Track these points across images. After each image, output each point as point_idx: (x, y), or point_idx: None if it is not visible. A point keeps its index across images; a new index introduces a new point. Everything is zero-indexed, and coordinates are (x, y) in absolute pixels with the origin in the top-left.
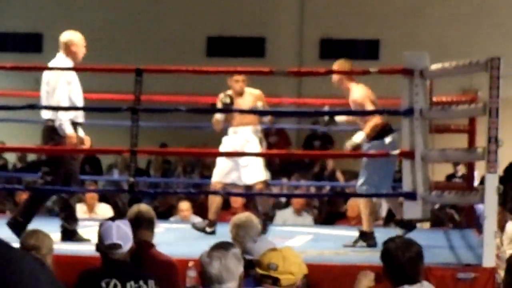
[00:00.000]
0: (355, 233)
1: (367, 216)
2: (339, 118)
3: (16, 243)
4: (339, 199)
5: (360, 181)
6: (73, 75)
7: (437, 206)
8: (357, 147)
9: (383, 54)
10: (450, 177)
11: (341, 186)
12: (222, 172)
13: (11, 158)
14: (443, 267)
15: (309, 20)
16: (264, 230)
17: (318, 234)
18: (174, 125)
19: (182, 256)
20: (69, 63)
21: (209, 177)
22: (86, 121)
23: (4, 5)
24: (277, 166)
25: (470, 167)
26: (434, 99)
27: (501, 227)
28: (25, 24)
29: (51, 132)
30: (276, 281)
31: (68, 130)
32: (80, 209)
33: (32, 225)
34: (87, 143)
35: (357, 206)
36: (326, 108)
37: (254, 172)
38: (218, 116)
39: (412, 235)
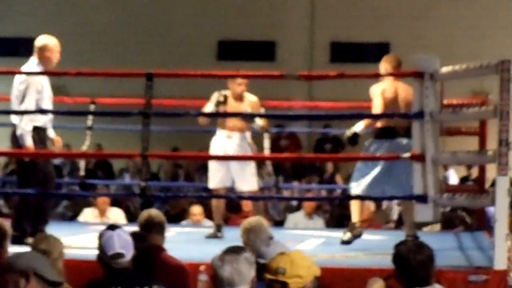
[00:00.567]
0: (366, 236)
1: (355, 209)
2: (359, 128)
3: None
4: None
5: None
6: (45, 80)
7: (448, 209)
8: (355, 136)
9: None
10: (463, 179)
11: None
12: (217, 177)
13: None
14: (455, 270)
15: (319, 24)
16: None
17: (329, 237)
18: (185, 129)
19: (193, 260)
20: (40, 68)
21: None
22: (98, 126)
23: (12, 9)
24: (288, 170)
25: (482, 170)
26: (445, 101)
27: None
28: (35, 29)
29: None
30: (284, 285)
31: (28, 142)
32: (92, 214)
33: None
34: (58, 144)
35: (367, 209)
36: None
37: (247, 180)
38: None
39: (423, 238)
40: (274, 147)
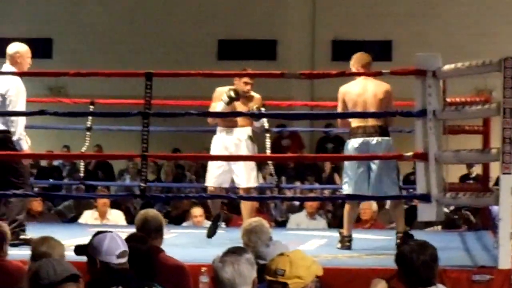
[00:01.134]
0: (368, 236)
1: (345, 218)
2: None
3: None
4: None
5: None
6: (22, 85)
7: (452, 208)
8: None
9: (396, 55)
10: (463, 178)
11: None
12: (216, 175)
13: None
14: (458, 269)
15: (320, 22)
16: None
17: (332, 237)
18: (185, 129)
19: (194, 261)
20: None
21: None
22: (98, 127)
23: (12, 10)
24: (290, 169)
25: (486, 168)
26: (448, 99)
27: None
28: (35, 29)
29: (7, 142)
30: (284, 286)
31: (25, 146)
32: (92, 216)
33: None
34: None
35: (370, 209)
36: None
37: (246, 176)
38: (220, 110)
39: (427, 238)
40: (276, 147)
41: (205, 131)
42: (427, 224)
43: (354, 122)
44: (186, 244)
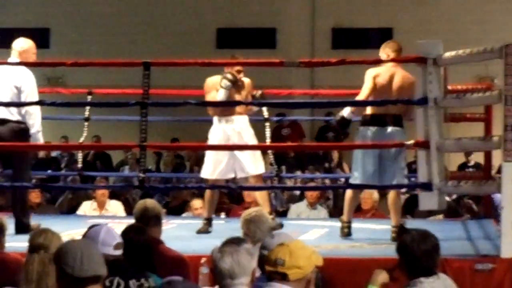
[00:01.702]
0: (370, 226)
1: (346, 205)
2: (346, 113)
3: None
4: None
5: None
6: (34, 79)
7: (454, 197)
8: (343, 120)
9: None
10: (462, 166)
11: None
12: (219, 168)
13: None
14: (461, 259)
15: (320, 10)
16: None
17: (333, 227)
18: (184, 119)
19: (194, 252)
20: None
21: None
22: (96, 117)
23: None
24: (291, 159)
25: (487, 156)
26: (449, 87)
27: None
28: (32, 19)
29: (25, 132)
30: (284, 276)
31: (42, 139)
32: (91, 207)
33: (42, 224)
34: None
35: (371, 198)
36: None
37: (254, 163)
38: (223, 97)
39: (429, 227)
40: (276, 136)
41: (204, 120)
42: (429, 213)
43: (370, 110)
44: (185, 235)
